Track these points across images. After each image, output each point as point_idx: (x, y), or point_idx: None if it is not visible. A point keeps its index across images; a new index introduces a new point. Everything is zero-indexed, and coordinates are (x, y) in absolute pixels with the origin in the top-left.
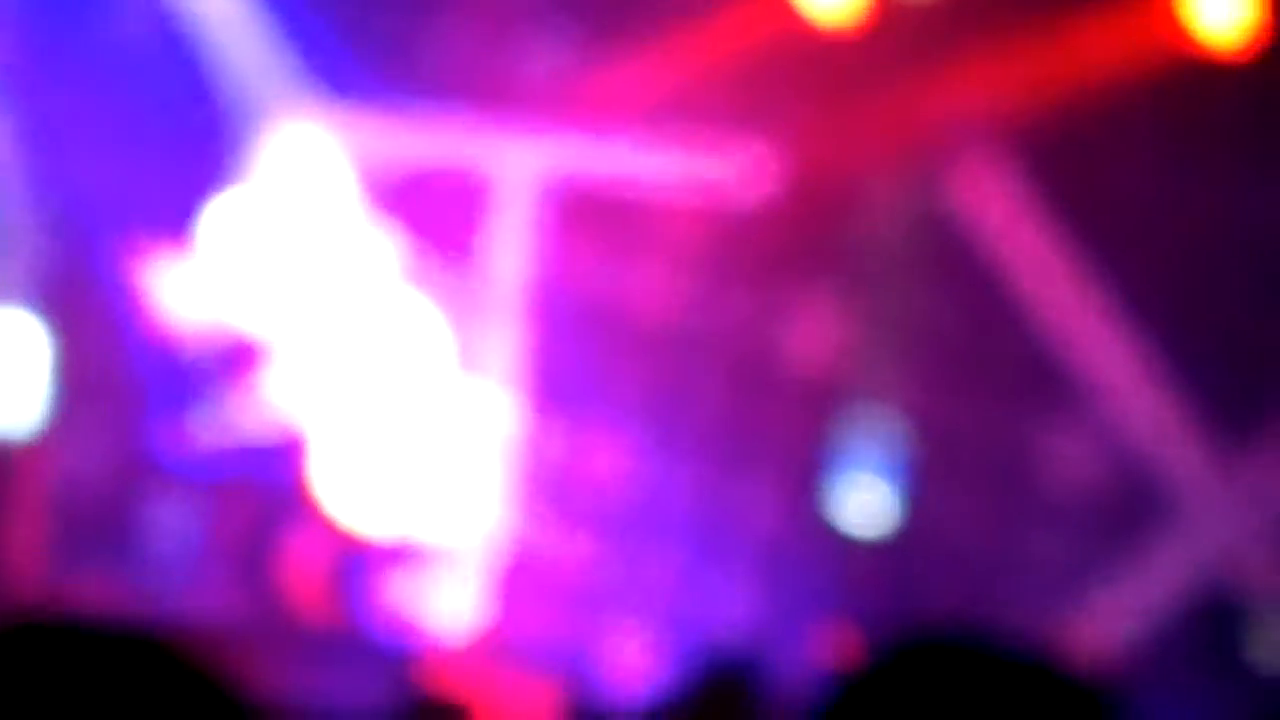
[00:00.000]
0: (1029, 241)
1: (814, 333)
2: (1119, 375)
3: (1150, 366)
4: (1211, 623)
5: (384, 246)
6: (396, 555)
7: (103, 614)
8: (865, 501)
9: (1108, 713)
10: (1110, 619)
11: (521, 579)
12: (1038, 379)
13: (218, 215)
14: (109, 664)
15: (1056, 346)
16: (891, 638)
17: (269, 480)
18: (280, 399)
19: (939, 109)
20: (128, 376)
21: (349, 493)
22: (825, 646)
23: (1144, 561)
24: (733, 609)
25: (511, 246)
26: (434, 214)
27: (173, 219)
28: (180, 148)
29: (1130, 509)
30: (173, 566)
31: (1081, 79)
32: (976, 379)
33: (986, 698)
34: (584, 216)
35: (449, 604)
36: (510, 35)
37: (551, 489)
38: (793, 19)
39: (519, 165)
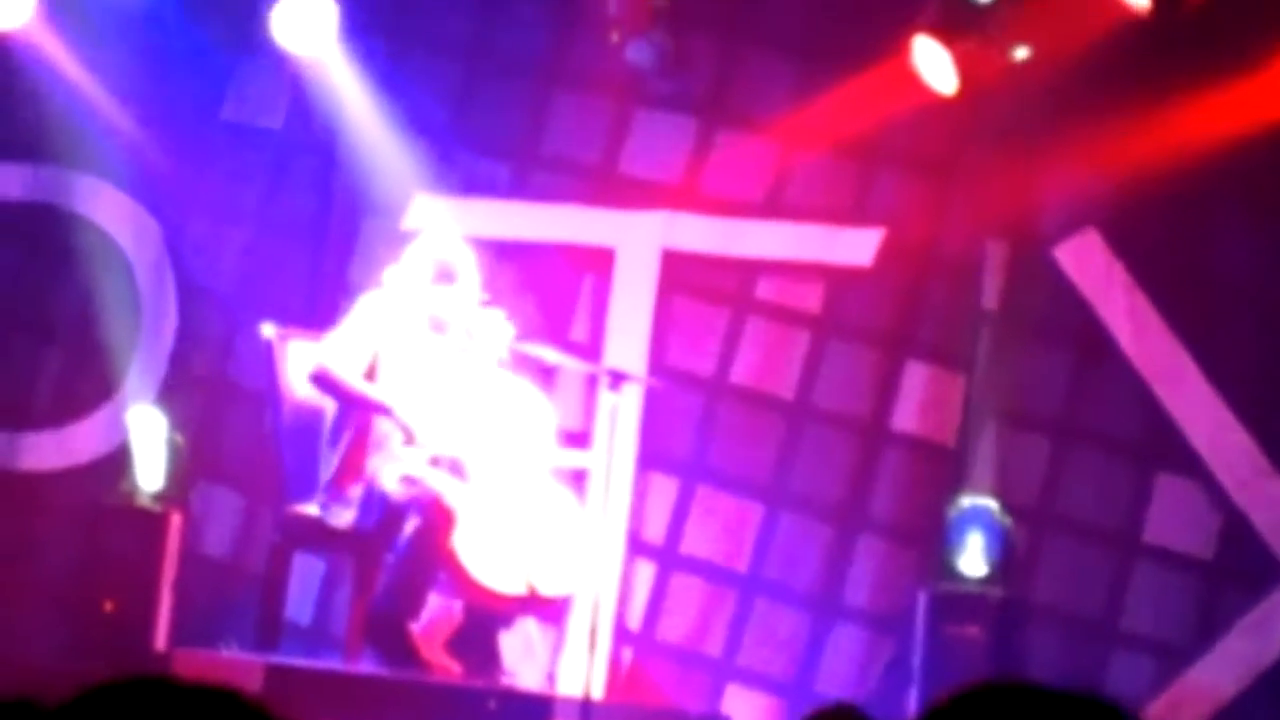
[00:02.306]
0: (1134, 311)
1: (925, 398)
2: (1221, 441)
3: (1253, 435)
4: None
5: (499, 321)
6: (523, 610)
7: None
8: (971, 565)
9: None
10: (1212, 681)
11: (643, 638)
12: (1144, 445)
13: (359, 302)
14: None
15: (1163, 414)
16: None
17: (403, 542)
18: (415, 468)
19: (1044, 177)
20: (263, 456)
21: (480, 551)
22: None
23: (1249, 623)
24: (844, 672)
25: (630, 320)
26: (552, 291)
27: (305, 303)
28: (313, 233)
29: (1235, 570)
30: (309, 628)
31: (1185, 146)
32: (1083, 445)
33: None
34: (700, 290)
35: (573, 659)
36: (628, 115)
37: (669, 554)
38: (904, 92)
39: (638, 240)
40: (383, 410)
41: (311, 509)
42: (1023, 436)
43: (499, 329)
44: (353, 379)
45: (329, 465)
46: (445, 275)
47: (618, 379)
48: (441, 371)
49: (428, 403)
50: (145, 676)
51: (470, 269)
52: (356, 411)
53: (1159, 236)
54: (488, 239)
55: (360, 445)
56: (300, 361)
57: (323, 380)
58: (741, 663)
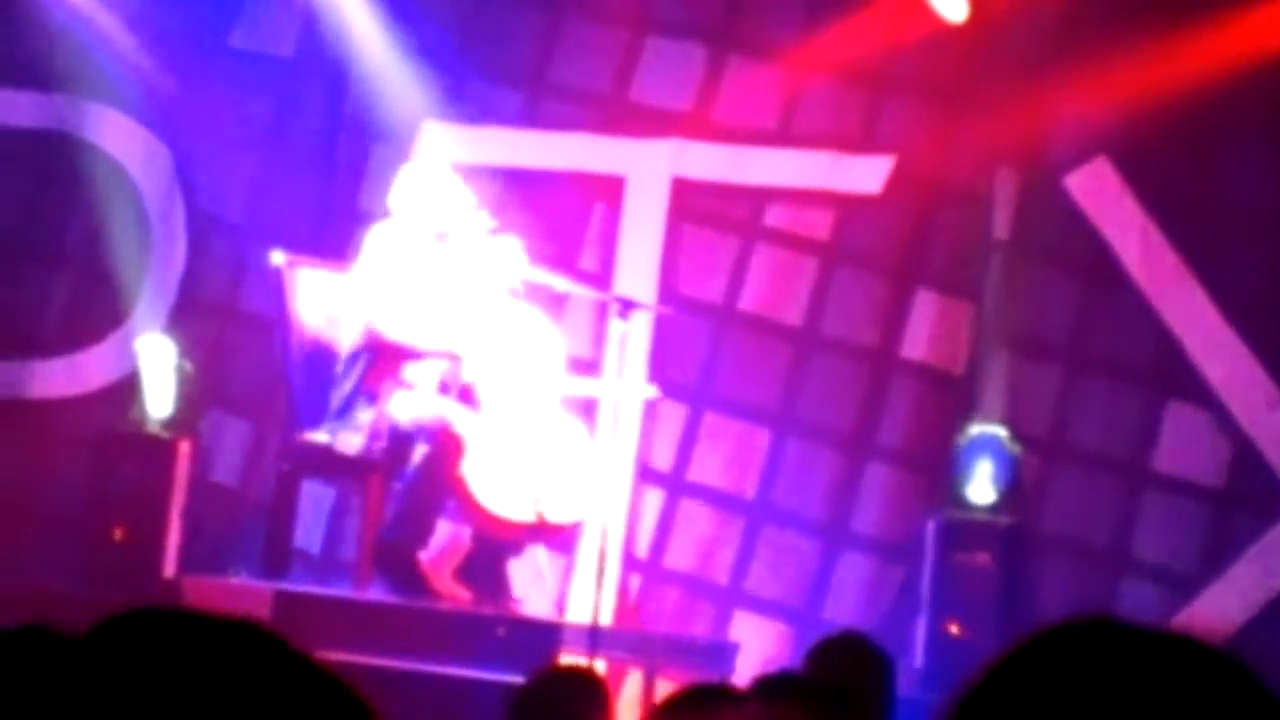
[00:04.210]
0: (1144, 239)
1: (934, 326)
2: (1232, 370)
3: (1263, 363)
4: None
5: (512, 249)
6: (532, 538)
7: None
8: (980, 493)
9: (1258, 682)
10: (1221, 608)
11: (651, 566)
12: (1153, 373)
13: (371, 236)
14: (212, 651)
15: (1172, 342)
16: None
17: (412, 469)
18: (422, 396)
19: (1054, 106)
20: (273, 383)
21: (489, 479)
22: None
23: (1258, 550)
24: (852, 599)
25: (640, 248)
26: (562, 219)
27: (315, 230)
28: (323, 160)
29: (1244, 498)
30: (318, 556)
31: (1195, 73)
32: (1093, 373)
33: (1138, 669)
34: (709, 218)
35: (582, 587)
36: (638, 43)
37: (677, 481)
38: (914, 19)
39: (648, 168)
40: (437, 356)
41: (321, 437)
42: (1032, 365)
43: (510, 256)
44: (405, 334)
45: (339, 393)
46: (445, 196)
47: (627, 307)
48: (455, 298)
49: (442, 329)
50: (162, 607)
51: (469, 191)
52: (374, 343)
53: (1171, 165)
54: (498, 167)
55: (371, 373)
56: (310, 289)
57: (375, 341)
58: (749, 589)
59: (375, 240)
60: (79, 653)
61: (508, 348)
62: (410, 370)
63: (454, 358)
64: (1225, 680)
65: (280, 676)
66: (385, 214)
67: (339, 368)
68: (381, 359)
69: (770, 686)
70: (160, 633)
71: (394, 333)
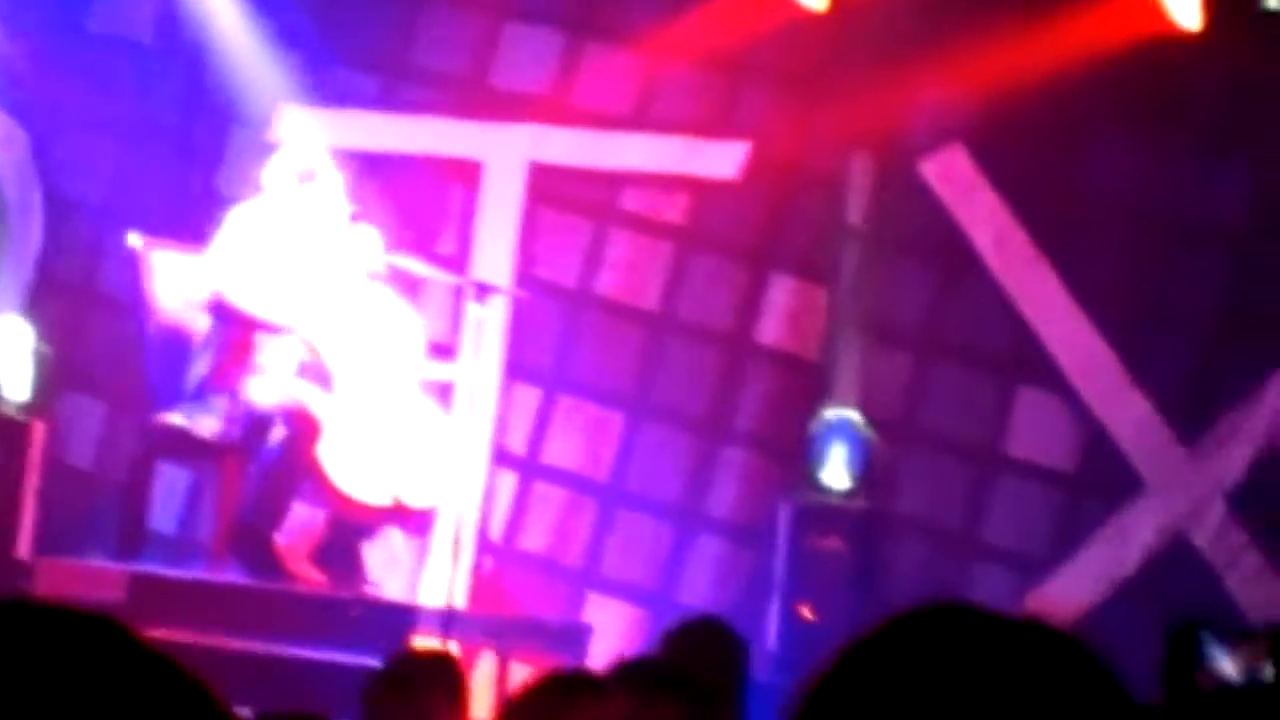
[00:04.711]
0: (999, 226)
1: (788, 311)
2: (1085, 357)
3: (1115, 350)
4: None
5: (369, 237)
6: (388, 521)
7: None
8: (834, 478)
9: (1103, 666)
10: (1071, 592)
11: (505, 548)
12: (1006, 359)
13: (230, 215)
14: (60, 643)
15: (1025, 329)
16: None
17: (268, 452)
18: (279, 379)
19: (912, 93)
20: (129, 365)
21: (345, 462)
22: (789, 620)
23: (1108, 535)
24: (706, 583)
25: (497, 232)
26: (419, 203)
27: (173, 213)
28: (181, 144)
29: (1095, 483)
30: (173, 537)
31: (1053, 63)
32: (946, 359)
33: (985, 654)
34: (566, 202)
35: (436, 570)
36: (497, 28)
37: (531, 464)
38: (772, 6)
39: (505, 153)
40: (280, 330)
41: (177, 418)
42: (886, 350)
43: (369, 243)
44: (248, 303)
45: (195, 375)
46: (307, 179)
47: (484, 291)
48: (312, 282)
49: (298, 312)
50: (7, 597)
51: (333, 176)
52: (231, 324)
53: (1026, 152)
54: (355, 150)
55: (227, 356)
56: (167, 271)
57: (219, 308)
58: (603, 572)
59: (232, 220)
60: None
61: (365, 331)
62: (266, 352)
63: (297, 332)
64: (1071, 665)
65: (123, 667)
66: (243, 197)
67: (194, 350)
68: (235, 339)
69: (635, 674)
70: (3, 624)
71: (238, 299)
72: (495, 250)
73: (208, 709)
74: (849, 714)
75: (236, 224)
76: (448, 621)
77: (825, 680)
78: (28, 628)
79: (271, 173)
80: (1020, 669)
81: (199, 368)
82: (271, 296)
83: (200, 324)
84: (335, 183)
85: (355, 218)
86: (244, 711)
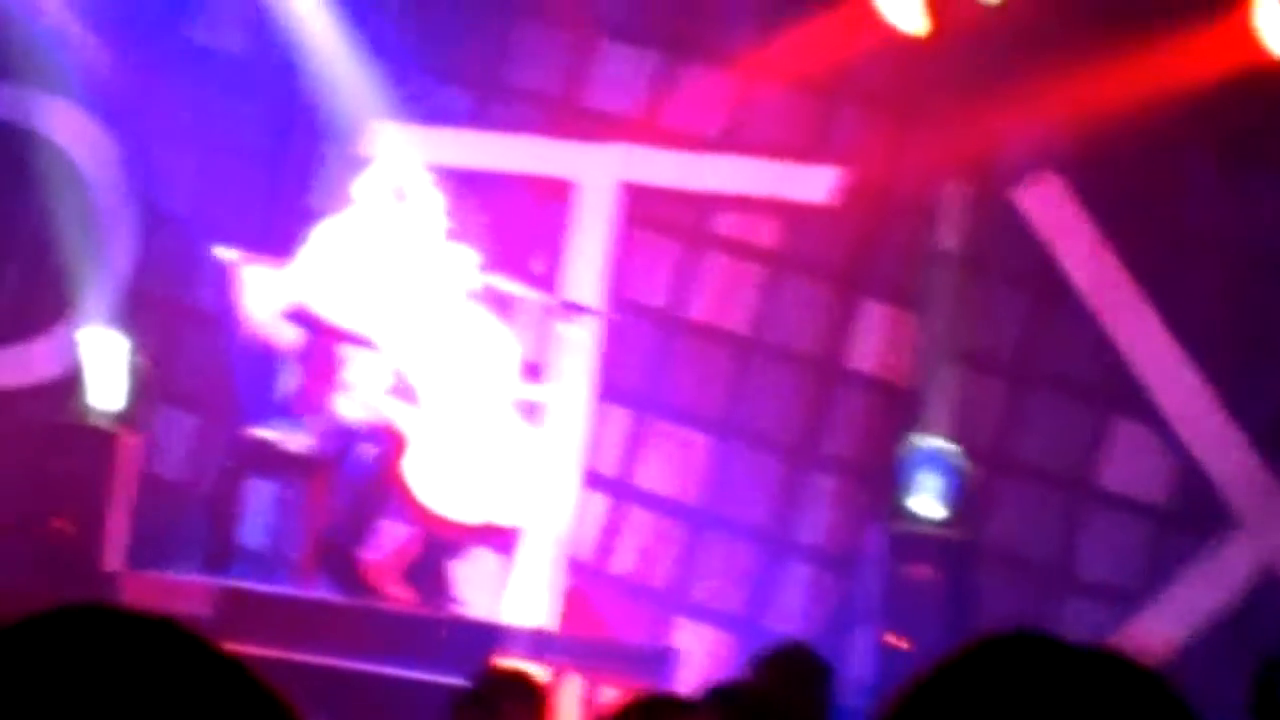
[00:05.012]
0: (1093, 256)
1: (880, 337)
2: (1180, 389)
3: (1211, 383)
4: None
5: (465, 255)
6: (476, 540)
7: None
8: (924, 506)
9: (1180, 700)
10: (1162, 627)
11: (594, 570)
12: (1100, 389)
13: (318, 229)
14: (132, 650)
15: (1119, 359)
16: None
17: (358, 468)
18: (368, 396)
19: (1007, 121)
20: (220, 379)
21: (434, 480)
22: (879, 649)
23: (1201, 570)
24: (794, 608)
25: (589, 252)
26: (511, 222)
27: (263, 227)
28: (273, 158)
29: (1188, 517)
30: (261, 552)
31: (1150, 93)
32: (1039, 388)
33: (1062, 685)
34: (658, 223)
35: (524, 590)
36: (591, 48)
37: (621, 486)
38: (868, 31)
39: (598, 173)
40: (364, 343)
41: (266, 433)
42: (978, 378)
43: (464, 261)
44: (331, 313)
45: (284, 389)
46: (401, 198)
47: (575, 311)
48: (406, 300)
49: (389, 330)
50: (90, 603)
51: (429, 194)
52: (320, 338)
53: (1122, 182)
54: (448, 168)
55: (318, 371)
56: (258, 285)
57: (300, 316)
58: (691, 596)
59: (320, 232)
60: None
61: (458, 350)
62: (355, 369)
63: (382, 347)
64: (1146, 698)
65: (200, 676)
66: (332, 212)
67: (283, 363)
68: (322, 354)
69: (724, 698)
70: (83, 630)
71: (316, 307)
72: (586, 270)
73: (275, 711)
74: None
75: (324, 236)
76: (535, 642)
77: (901, 704)
78: (107, 633)
79: (363, 187)
80: (1094, 700)
81: (287, 382)
82: (351, 307)
83: (289, 338)
84: (432, 200)
85: (449, 235)
86: None
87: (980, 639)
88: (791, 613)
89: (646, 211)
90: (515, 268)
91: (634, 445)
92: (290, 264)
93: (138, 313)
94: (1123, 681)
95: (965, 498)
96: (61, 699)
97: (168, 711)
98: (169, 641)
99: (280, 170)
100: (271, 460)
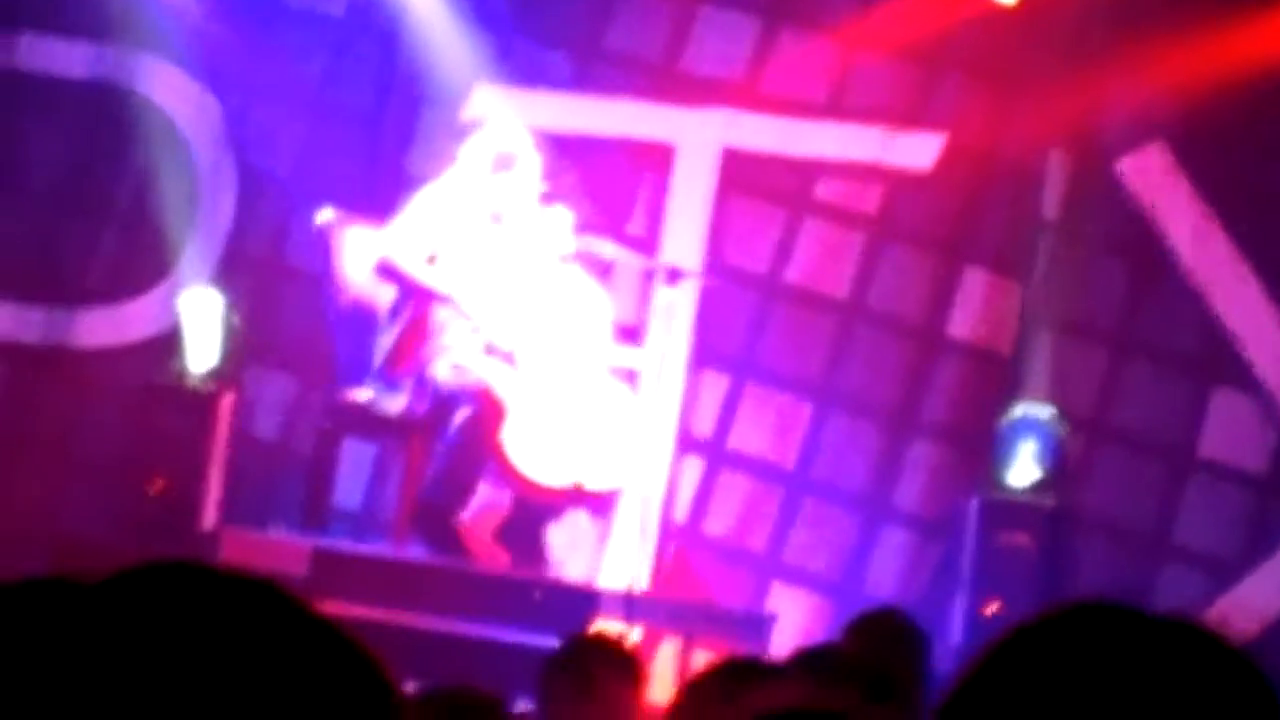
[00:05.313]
0: (1196, 226)
1: (981, 305)
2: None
3: None
4: None
5: (561, 218)
6: (571, 503)
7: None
8: (1023, 474)
9: (1261, 677)
10: (1261, 597)
11: (689, 534)
12: (1201, 359)
13: (419, 192)
14: (226, 609)
15: (1221, 329)
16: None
17: (453, 431)
18: (465, 359)
19: (1110, 89)
20: (317, 340)
21: (529, 443)
22: (974, 616)
23: None
24: (890, 574)
25: (688, 216)
26: (610, 185)
27: (362, 189)
28: (372, 121)
29: None
30: (357, 513)
31: (1254, 61)
32: (1139, 357)
33: (1140, 657)
34: (758, 189)
35: (620, 553)
36: (692, 12)
37: (717, 450)
38: None
39: (698, 137)
40: (445, 299)
41: (363, 395)
42: (1079, 347)
43: (560, 223)
44: (416, 268)
45: (382, 351)
46: (505, 165)
47: (674, 275)
48: (501, 263)
49: (486, 293)
50: (183, 561)
51: (531, 160)
52: (414, 300)
53: (1227, 151)
54: (547, 131)
55: (415, 333)
56: (357, 248)
57: (386, 269)
58: (787, 560)
59: (420, 195)
60: (92, 605)
61: (554, 313)
62: (451, 332)
63: (478, 310)
64: (1226, 673)
65: (294, 637)
66: (432, 176)
67: (380, 325)
68: (417, 315)
69: (814, 662)
70: (179, 586)
71: (403, 263)
72: (685, 235)
73: (371, 678)
74: (989, 704)
75: (423, 199)
76: (630, 605)
77: (974, 669)
78: (197, 591)
79: (469, 151)
80: (1169, 672)
81: (383, 342)
82: (441, 266)
83: (386, 300)
84: (533, 164)
85: (546, 198)
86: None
87: (1058, 607)
88: (887, 579)
89: (747, 177)
90: (614, 231)
91: (731, 409)
92: (388, 224)
93: (236, 274)
94: (1201, 655)
95: (1062, 466)
96: (150, 655)
97: (259, 672)
98: (262, 601)
99: (380, 133)
100: (368, 423)
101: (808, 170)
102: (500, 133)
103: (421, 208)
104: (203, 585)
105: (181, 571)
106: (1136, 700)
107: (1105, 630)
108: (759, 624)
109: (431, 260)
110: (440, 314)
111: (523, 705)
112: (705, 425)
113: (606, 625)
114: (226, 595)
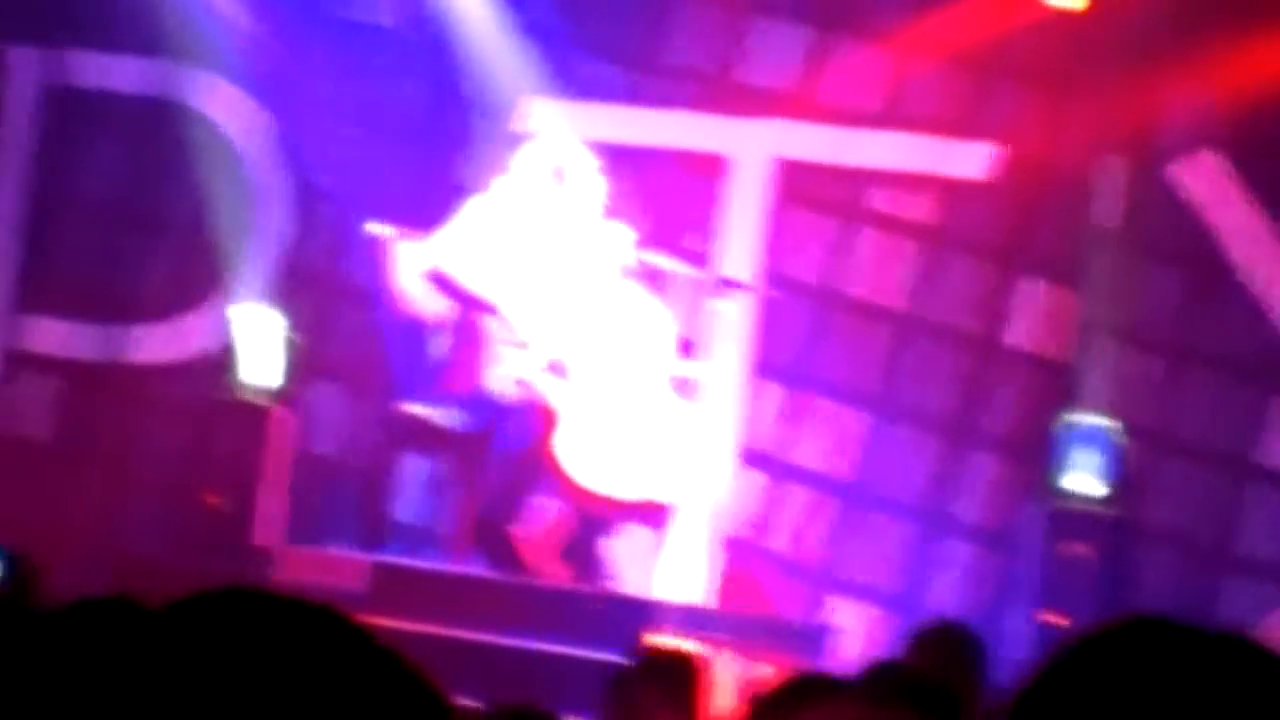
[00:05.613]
0: (1252, 234)
1: (1038, 314)
2: None
3: None
4: None
5: (620, 232)
6: (629, 516)
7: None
8: (1083, 483)
9: None
10: None
11: (748, 546)
12: (1260, 367)
13: (468, 204)
14: (287, 638)
15: (1277, 338)
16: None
17: (510, 444)
18: (523, 372)
19: (1165, 97)
20: (373, 354)
21: (585, 456)
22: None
23: None
24: (950, 586)
25: (743, 228)
26: (665, 198)
27: (416, 203)
28: (426, 134)
29: None
30: (415, 527)
31: None
32: (1198, 366)
33: (1195, 673)
34: (813, 199)
35: (678, 566)
36: (745, 24)
37: (775, 463)
38: (1025, 6)
39: (752, 149)
40: (494, 311)
41: (419, 409)
42: (1137, 355)
43: (619, 238)
44: (466, 278)
45: (438, 366)
46: (561, 177)
47: (729, 287)
48: (557, 276)
49: (542, 305)
50: (241, 586)
51: (591, 174)
52: (468, 312)
53: None
54: (602, 143)
55: (470, 346)
56: (411, 261)
57: (438, 279)
58: (847, 574)
59: (471, 205)
60: (154, 630)
61: (612, 327)
62: (508, 345)
63: (533, 324)
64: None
65: (351, 664)
66: (484, 187)
67: (435, 338)
68: (469, 327)
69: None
70: (240, 614)
71: (453, 271)
72: (741, 246)
73: (431, 706)
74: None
75: (474, 209)
76: (689, 618)
77: (1026, 692)
78: (251, 616)
79: (522, 161)
80: (1218, 689)
81: (437, 354)
82: (493, 278)
83: (441, 313)
84: (590, 177)
85: (605, 212)
86: (480, 702)
87: (1118, 621)
88: (948, 591)
89: (801, 187)
90: (669, 244)
91: (788, 421)
92: (439, 233)
93: (291, 288)
94: (1257, 672)
95: (1123, 475)
96: (209, 683)
97: (316, 701)
98: (320, 627)
99: (434, 146)
100: (425, 436)
101: (861, 180)
102: (556, 145)
103: (473, 217)
104: (261, 611)
105: (240, 597)
106: (1190, 717)
107: (1161, 646)
108: (820, 637)
109: (482, 270)
110: (492, 325)
111: None
112: (763, 437)
113: (666, 639)
114: (285, 621)
